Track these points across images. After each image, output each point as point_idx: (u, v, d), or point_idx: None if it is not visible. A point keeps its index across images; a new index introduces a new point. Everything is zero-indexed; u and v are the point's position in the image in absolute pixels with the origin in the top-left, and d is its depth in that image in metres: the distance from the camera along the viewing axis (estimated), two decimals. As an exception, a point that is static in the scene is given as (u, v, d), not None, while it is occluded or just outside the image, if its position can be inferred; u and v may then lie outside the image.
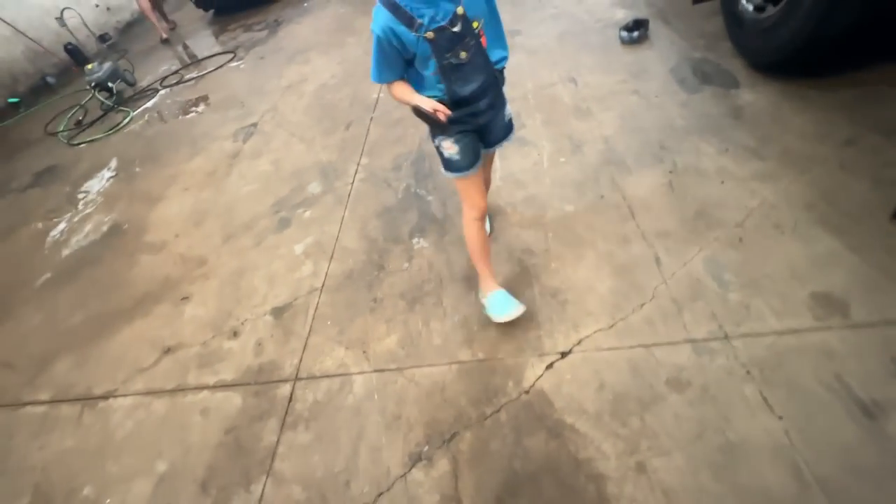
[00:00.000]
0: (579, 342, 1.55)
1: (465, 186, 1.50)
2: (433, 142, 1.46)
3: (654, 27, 2.94)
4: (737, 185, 1.87)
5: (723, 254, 1.64)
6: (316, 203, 2.56)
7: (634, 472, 1.24)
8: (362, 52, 4.14)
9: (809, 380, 1.29)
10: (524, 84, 2.89)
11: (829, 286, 1.46)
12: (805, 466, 1.16)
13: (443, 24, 1.17)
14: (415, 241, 2.13)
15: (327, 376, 1.72)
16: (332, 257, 2.19)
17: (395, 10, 1.15)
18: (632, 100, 2.49)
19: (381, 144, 2.85)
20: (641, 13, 3.10)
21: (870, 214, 1.59)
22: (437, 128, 1.35)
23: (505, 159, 2.38)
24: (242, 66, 4.82)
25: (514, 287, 1.76)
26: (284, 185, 2.79)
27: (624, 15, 3.19)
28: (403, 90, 1.31)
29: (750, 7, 2.27)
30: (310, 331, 1.90)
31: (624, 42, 2.94)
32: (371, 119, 3.14)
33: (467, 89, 1.30)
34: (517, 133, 2.48)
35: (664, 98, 2.43)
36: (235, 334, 1.99)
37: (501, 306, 1.57)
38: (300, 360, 1.80)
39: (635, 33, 2.89)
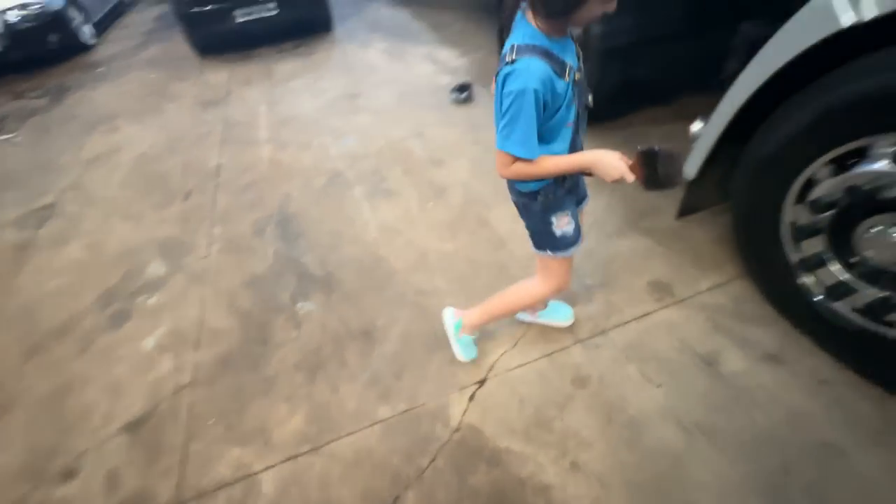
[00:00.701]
0: (491, 367, 1.63)
1: (564, 264, 1.33)
2: (536, 226, 1.28)
3: (476, 89, 3.45)
4: (574, 208, 2.28)
5: (580, 262, 1.95)
6: (162, 286, 2.17)
7: (571, 471, 1.33)
8: (188, 117, 3.79)
9: (667, 350, 1.60)
10: (378, 141, 3.04)
11: (656, 275, 1.86)
12: (685, 418, 1.41)
13: (576, 66, 1.07)
14: (299, 305, 1.97)
15: (224, 486, 1.41)
16: (198, 344, 1.86)
17: (549, 57, 0.99)
18: (475, 148, 2.83)
19: (234, 211, 2.60)
20: (463, 78, 3.61)
21: (662, 215, 2.10)
22: (558, 204, 1.22)
23: (377, 210, 2.42)
24: (18, 139, 3.90)
25: (417, 329, 1.76)
26: (111, 271, 2.29)
27: (448, 80, 3.67)
28: (558, 160, 1.09)
29: None
30: (187, 438, 1.55)
31: (454, 102, 3.36)
32: (216, 186, 2.85)
33: (580, 141, 1.19)
34: (383, 185, 2.59)
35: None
36: (71, 474, 1.50)
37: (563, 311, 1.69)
38: (180, 478, 1.44)
39: (463, 94, 3.34)
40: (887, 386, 1.40)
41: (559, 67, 1.00)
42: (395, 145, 2.97)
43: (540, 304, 1.69)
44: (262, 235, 2.39)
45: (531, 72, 0.97)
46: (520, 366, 1.62)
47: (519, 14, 1.02)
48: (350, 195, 2.59)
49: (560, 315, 1.73)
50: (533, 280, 1.43)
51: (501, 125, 1.05)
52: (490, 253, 2.08)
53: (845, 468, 1.25)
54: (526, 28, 1.00)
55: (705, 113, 1.54)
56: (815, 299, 1.47)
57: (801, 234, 1.43)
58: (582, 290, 1.84)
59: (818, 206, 1.36)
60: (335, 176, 2.78)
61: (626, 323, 1.71)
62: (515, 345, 1.69)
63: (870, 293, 1.33)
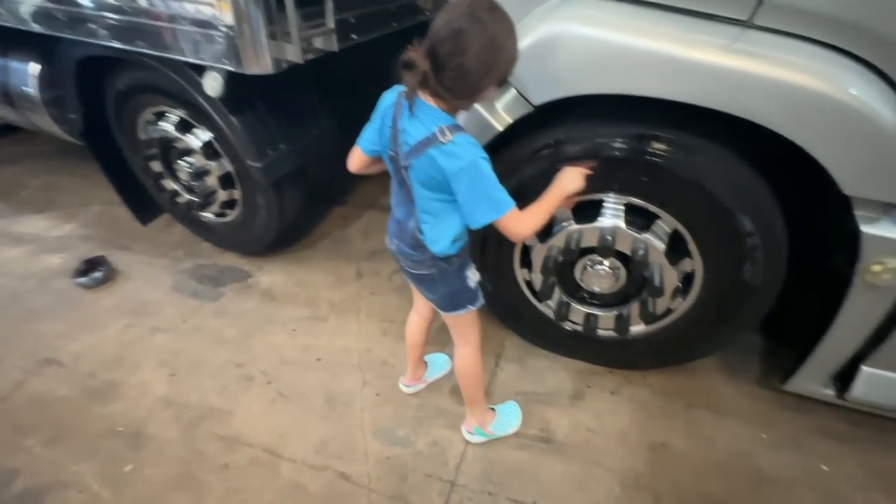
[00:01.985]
0: None
1: (475, 316, 1.41)
2: (453, 287, 1.31)
3: (116, 259, 2.56)
4: (329, 352, 1.97)
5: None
6: None
7: None
8: None
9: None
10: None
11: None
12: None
13: None
14: None
15: None
16: None
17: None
18: (158, 338, 2.05)
19: None
20: (82, 252, 2.61)
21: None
22: (468, 257, 1.31)
23: None
24: None
25: None
26: None
27: (60, 261, 2.58)
28: (546, 196, 1.18)
29: (212, 216, 2.38)
30: None
31: (89, 287, 2.38)
32: None
33: None
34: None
35: (195, 319, 2.16)
36: None
37: (511, 415, 1.68)
38: None
39: (97, 274, 2.40)
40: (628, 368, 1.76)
41: None
42: (15, 397, 1.81)
43: (422, 370, 1.80)
44: None
45: (471, 144, 1.03)
46: None
47: (417, 102, 1.05)
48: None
49: (510, 419, 1.68)
50: (457, 350, 1.49)
51: (472, 203, 1.05)
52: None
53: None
54: (433, 111, 1.05)
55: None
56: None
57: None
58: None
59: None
60: None
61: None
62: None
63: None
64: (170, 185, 2.40)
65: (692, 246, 1.41)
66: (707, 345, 1.63)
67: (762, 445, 1.60)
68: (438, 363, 1.88)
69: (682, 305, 1.54)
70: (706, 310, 1.50)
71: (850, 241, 1.21)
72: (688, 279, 1.49)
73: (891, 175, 1.08)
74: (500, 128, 1.38)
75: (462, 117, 1.38)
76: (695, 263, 1.44)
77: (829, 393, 1.48)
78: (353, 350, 2.00)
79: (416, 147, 1.06)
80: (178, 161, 2.23)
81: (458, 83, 0.99)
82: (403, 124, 1.08)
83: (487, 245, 1.66)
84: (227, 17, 1.49)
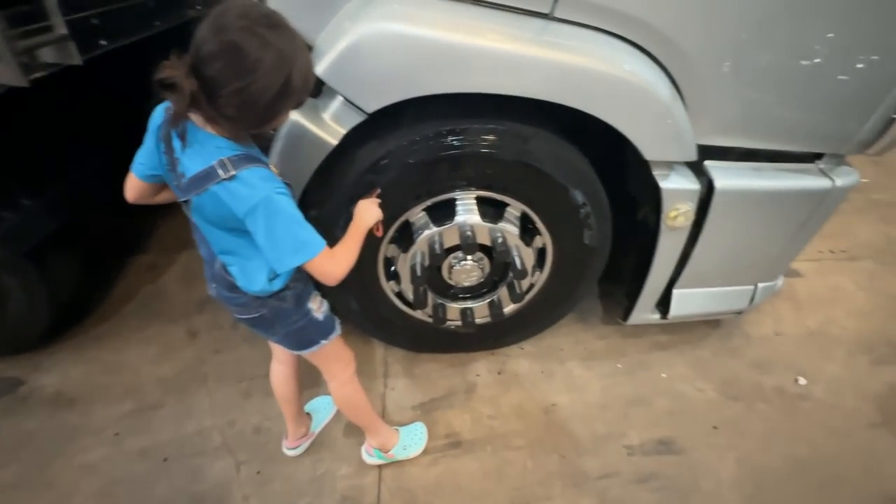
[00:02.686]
0: None
1: (337, 342, 1.25)
2: (295, 324, 1.13)
3: None
4: (179, 445, 1.56)
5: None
6: None
7: None
8: None
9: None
10: None
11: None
12: None
13: None
14: None
15: None
16: None
17: (260, 161, 0.90)
18: None
19: None
20: None
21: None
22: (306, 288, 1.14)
23: None
24: None
25: None
26: None
27: None
28: (350, 232, 1.09)
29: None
30: None
31: None
32: None
33: None
34: None
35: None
36: None
37: (416, 436, 1.58)
38: None
39: None
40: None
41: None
42: None
43: (305, 424, 1.58)
44: None
45: (262, 177, 0.88)
46: None
47: (190, 128, 0.85)
48: None
49: (416, 440, 1.58)
50: (330, 385, 1.35)
51: (273, 246, 0.89)
52: None
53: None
54: (210, 139, 0.87)
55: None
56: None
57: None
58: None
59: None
60: None
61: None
62: None
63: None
64: None
65: (540, 225, 1.52)
66: (567, 305, 1.81)
67: (621, 375, 1.89)
68: (322, 408, 1.67)
69: (541, 278, 1.66)
70: (561, 277, 1.65)
71: (650, 190, 1.45)
72: (541, 254, 1.60)
73: (671, 139, 1.31)
74: (335, 141, 1.23)
75: (283, 132, 1.19)
76: (545, 239, 1.56)
77: (656, 318, 1.81)
78: (210, 430, 1.63)
79: (193, 182, 0.87)
80: None
81: (242, 112, 0.82)
82: (178, 153, 0.88)
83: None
84: None
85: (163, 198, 1.07)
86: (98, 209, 1.74)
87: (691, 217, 1.47)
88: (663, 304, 1.78)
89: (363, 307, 1.64)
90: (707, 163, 1.46)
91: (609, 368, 1.91)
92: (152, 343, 1.92)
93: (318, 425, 1.62)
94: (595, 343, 2.01)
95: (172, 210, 1.11)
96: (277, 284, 1.05)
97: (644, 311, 1.79)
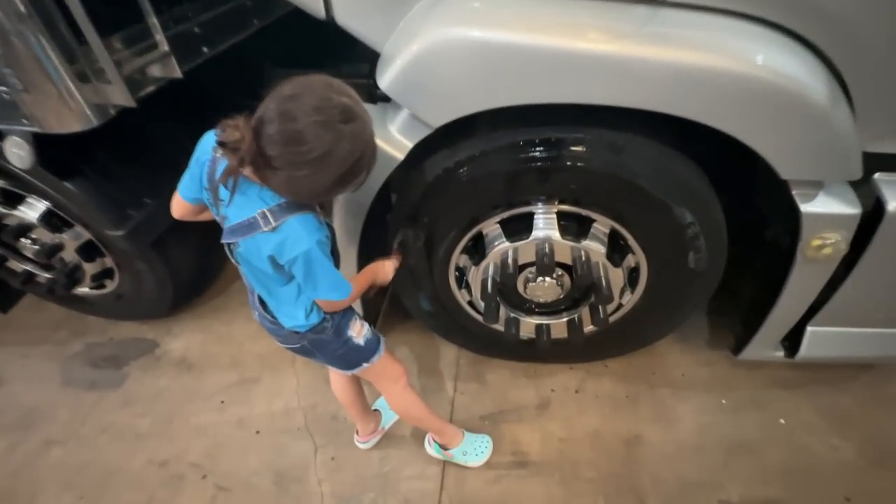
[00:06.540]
0: None
1: (386, 360, 1.27)
2: (337, 351, 1.17)
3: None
4: (269, 420, 1.72)
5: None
6: None
7: None
8: None
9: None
10: None
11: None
12: None
13: None
14: None
15: None
16: None
17: (309, 207, 0.93)
18: (55, 453, 1.71)
19: None
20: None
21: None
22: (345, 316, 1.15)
23: None
24: None
25: None
26: None
27: None
28: (358, 280, 1.14)
29: (87, 290, 1.96)
30: None
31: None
32: None
33: None
34: None
35: (97, 417, 1.82)
36: None
37: (481, 447, 1.54)
38: None
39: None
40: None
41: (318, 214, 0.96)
42: None
43: (374, 421, 1.61)
44: None
45: (304, 227, 0.90)
46: None
47: (242, 181, 0.87)
48: None
49: (480, 451, 1.54)
50: (385, 396, 1.39)
51: (312, 285, 0.95)
52: None
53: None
54: (255, 189, 0.88)
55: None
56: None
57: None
58: None
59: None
60: None
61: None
62: None
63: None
64: (19, 266, 1.93)
65: (632, 242, 1.30)
66: (660, 330, 1.58)
67: (724, 413, 1.62)
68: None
69: (631, 299, 1.45)
70: (655, 299, 1.43)
71: (786, 212, 1.15)
72: (633, 272, 1.39)
73: (825, 154, 0.99)
74: (401, 156, 1.16)
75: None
76: (638, 258, 1.34)
77: (780, 355, 1.49)
78: (295, 411, 1.77)
79: (237, 228, 0.91)
80: (20, 239, 1.77)
81: (292, 191, 0.86)
82: (223, 194, 0.89)
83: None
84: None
85: (207, 216, 1.11)
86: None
87: (843, 249, 1.13)
88: (792, 339, 1.45)
89: (435, 309, 1.61)
90: (877, 176, 1.09)
91: (710, 403, 1.64)
92: (252, 319, 2.13)
93: (387, 422, 1.66)
94: (696, 370, 1.74)
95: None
96: (315, 319, 1.07)
97: (764, 347, 1.48)
